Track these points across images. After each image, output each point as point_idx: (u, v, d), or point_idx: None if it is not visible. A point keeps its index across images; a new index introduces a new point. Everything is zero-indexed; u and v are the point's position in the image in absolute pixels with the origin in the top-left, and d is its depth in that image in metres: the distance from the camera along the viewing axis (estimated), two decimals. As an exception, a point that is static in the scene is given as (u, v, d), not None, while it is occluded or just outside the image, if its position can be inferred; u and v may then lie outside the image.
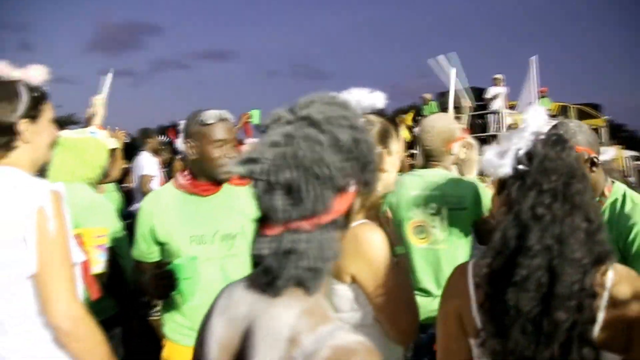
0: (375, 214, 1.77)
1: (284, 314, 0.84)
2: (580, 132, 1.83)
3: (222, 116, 1.98)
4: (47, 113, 1.60)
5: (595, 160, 1.83)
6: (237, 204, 2.08)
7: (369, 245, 1.60)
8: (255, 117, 4.48)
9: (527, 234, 1.14)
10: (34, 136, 1.55)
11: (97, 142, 2.41)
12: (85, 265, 1.66)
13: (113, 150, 2.80)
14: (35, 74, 1.58)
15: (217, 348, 0.91)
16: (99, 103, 3.13)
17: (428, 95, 14.00)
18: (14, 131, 1.50)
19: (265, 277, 0.86)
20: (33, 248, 1.38)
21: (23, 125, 1.52)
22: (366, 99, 1.82)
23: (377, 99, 1.82)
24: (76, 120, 33.62)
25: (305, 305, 0.85)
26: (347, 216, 0.91)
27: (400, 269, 1.70)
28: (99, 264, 1.92)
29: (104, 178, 2.46)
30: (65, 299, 1.39)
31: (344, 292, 1.63)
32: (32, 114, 1.54)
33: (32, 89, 1.56)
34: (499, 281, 1.17)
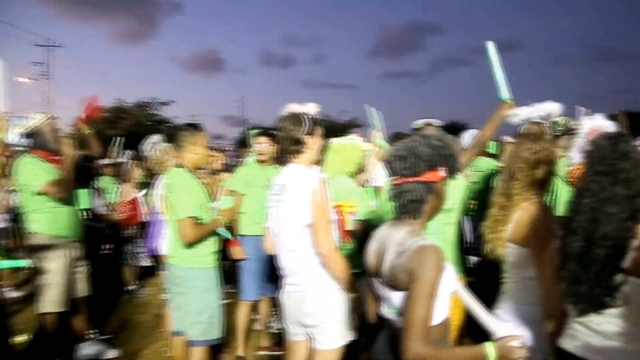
0: (541, 194, 2.34)
1: (400, 232, 1.67)
2: None
3: (428, 123, 2.84)
4: (318, 130, 2.64)
5: None
6: (452, 189, 2.89)
7: (536, 218, 2.21)
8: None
9: (582, 200, 1.71)
10: (311, 145, 2.61)
11: (355, 146, 3.45)
12: (341, 223, 2.67)
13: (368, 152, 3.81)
14: (311, 108, 2.65)
15: (372, 254, 1.80)
16: (377, 140, 3.91)
17: None
18: (302, 142, 2.59)
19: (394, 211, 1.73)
20: (309, 210, 2.42)
21: (306, 139, 2.59)
22: (545, 110, 2.51)
23: (553, 111, 2.50)
24: (359, 123, 37.26)
25: (410, 228, 1.67)
26: (440, 183, 1.70)
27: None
28: (350, 224, 2.93)
29: (360, 172, 3.49)
30: (324, 238, 2.40)
31: (520, 253, 2.25)
32: (310, 132, 2.60)
33: (309, 117, 2.62)
34: (566, 232, 1.77)
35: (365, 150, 3.58)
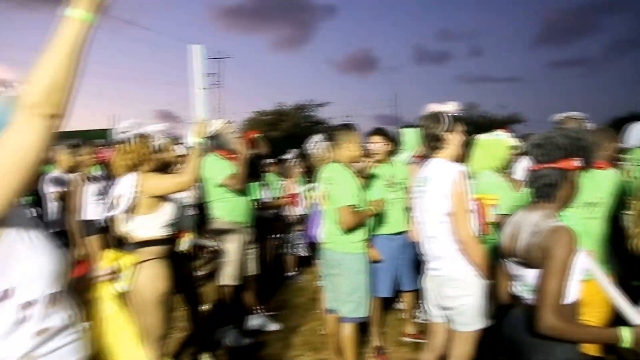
0: None
1: (534, 216, 1.81)
2: None
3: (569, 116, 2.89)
4: (458, 127, 2.81)
5: None
6: (600, 183, 2.82)
7: None
8: None
9: None
10: (451, 141, 2.80)
11: (500, 142, 3.52)
12: (481, 214, 2.81)
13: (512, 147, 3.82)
14: (450, 107, 2.83)
15: (506, 237, 1.94)
16: None
17: None
18: (441, 139, 2.79)
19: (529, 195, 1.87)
20: (449, 199, 2.62)
21: (445, 136, 2.78)
22: None
23: None
24: (519, 118, 34.71)
25: (543, 212, 1.80)
26: (574, 172, 1.81)
27: None
28: (491, 216, 3.04)
29: (504, 167, 3.56)
30: (463, 226, 2.58)
31: None
32: (450, 129, 2.79)
33: (448, 115, 2.81)
34: None
35: (511, 146, 3.61)
